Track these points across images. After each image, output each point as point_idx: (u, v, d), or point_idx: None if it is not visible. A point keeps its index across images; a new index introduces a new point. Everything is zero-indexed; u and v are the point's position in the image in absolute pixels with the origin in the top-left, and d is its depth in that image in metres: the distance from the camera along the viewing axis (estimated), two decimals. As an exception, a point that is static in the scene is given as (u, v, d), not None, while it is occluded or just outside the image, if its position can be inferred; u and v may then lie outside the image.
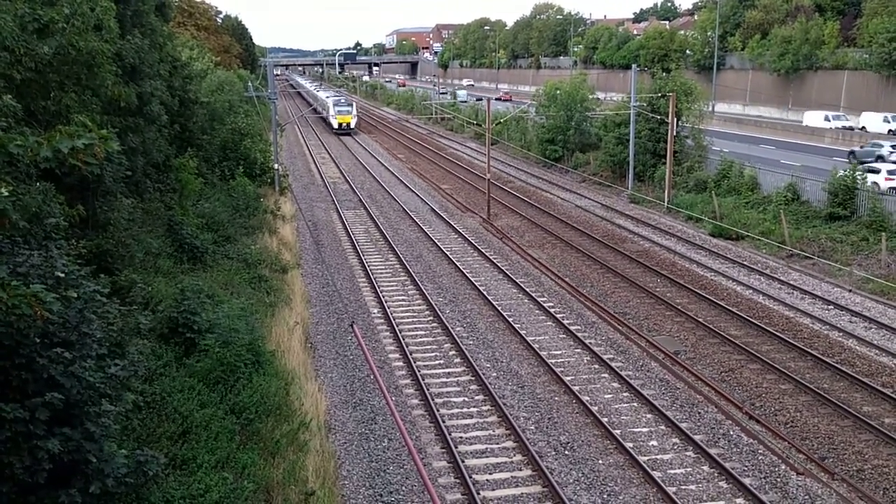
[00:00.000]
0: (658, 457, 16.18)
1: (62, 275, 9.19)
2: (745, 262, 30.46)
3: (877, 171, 36.70)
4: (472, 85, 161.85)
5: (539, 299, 26.29)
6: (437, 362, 21.19)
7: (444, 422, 17.50)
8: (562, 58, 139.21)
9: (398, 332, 23.09)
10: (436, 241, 34.52)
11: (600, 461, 16.02)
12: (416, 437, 16.96)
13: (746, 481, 15.08)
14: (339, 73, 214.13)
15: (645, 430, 17.39)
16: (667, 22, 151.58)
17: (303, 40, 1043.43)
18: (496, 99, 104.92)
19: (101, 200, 18.44)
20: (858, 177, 32.32)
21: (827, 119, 65.92)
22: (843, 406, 18.17)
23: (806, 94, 79.12)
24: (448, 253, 32.27)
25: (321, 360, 21.33)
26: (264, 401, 15.69)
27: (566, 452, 16.39)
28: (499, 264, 30.69)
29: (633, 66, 46.99)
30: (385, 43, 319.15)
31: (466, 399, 18.93)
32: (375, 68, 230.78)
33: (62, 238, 11.52)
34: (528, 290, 27.30)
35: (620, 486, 15.12)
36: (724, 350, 21.95)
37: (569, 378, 19.82)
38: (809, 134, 64.23)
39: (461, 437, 16.95)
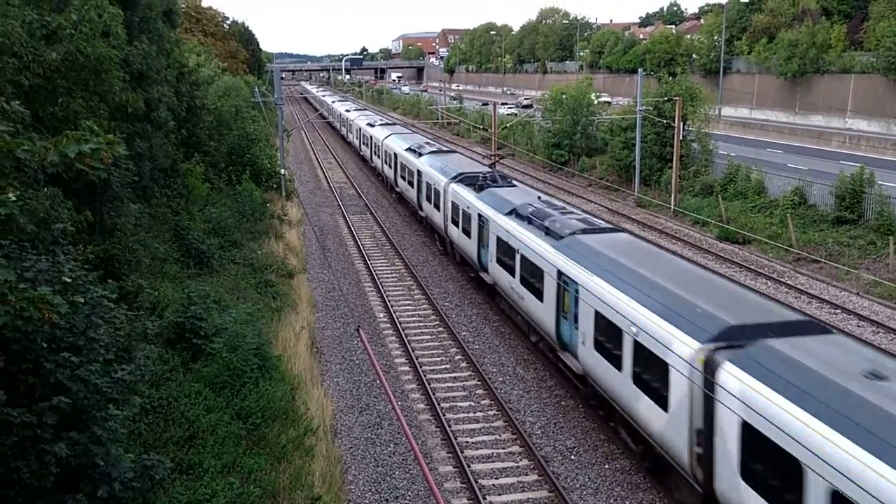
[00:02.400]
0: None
1: (69, 280, 9.23)
2: (751, 266, 30.37)
3: None
4: None
5: (545, 304, 26.21)
6: (443, 367, 21.18)
7: (450, 426, 17.48)
8: (568, 62, 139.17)
9: (404, 336, 23.09)
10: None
11: (607, 466, 15.97)
12: (422, 441, 16.95)
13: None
14: (346, 78, 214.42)
15: (652, 434, 17.31)
16: (673, 26, 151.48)
17: (309, 46, 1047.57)
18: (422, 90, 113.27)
19: (108, 205, 18.53)
20: None
21: None
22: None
23: (813, 98, 78.89)
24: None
25: (327, 365, 21.34)
26: (270, 406, 15.72)
27: (572, 457, 16.35)
28: (505, 269, 30.59)
29: (640, 70, 46.99)
30: (391, 48, 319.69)
31: (472, 404, 18.90)
32: (397, 74, 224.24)
33: (69, 243, 11.57)
34: (534, 294, 27.20)
35: (627, 490, 15.07)
36: (731, 354, 21.82)
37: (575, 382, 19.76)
38: (816, 137, 64.05)
39: (467, 442, 16.93)
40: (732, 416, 11.54)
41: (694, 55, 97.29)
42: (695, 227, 37.21)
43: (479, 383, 20.02)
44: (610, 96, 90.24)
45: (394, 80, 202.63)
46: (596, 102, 54.98)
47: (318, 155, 70.66)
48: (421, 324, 24.65)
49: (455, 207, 29.17)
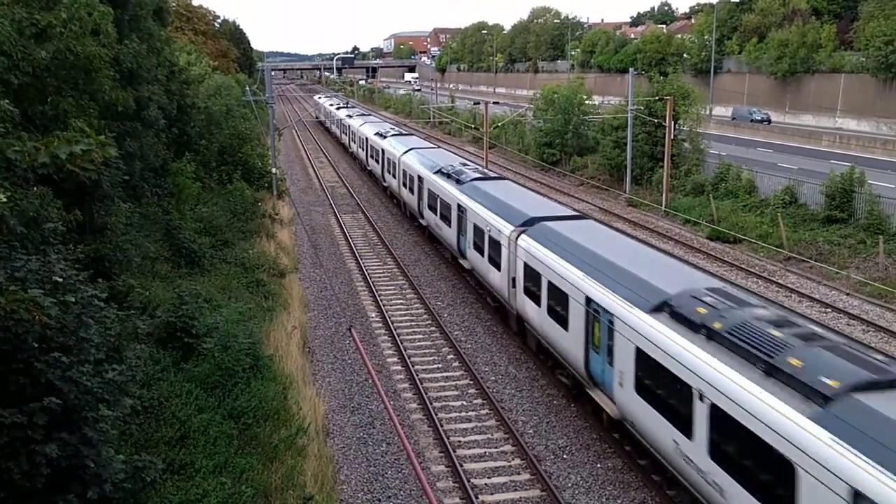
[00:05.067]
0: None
1: (60, 280, 9.19)
2: (742, 266, 30.47)
3: None
4: None
5: (537, 303, 26.26)
6: (435, 366, 21.18)
7: (442, 426, 17.48)
8: (559, 62, 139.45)
9: (396, 336, 23.07)
10: (434, 244, 34.49)
11: (599, 465, 16.01)
12: (415, 441, 16.94)
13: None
14: (337, 77, 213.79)
15: (643, 433, 17.35)
16: (664, 26, 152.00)
17: (300, 45, 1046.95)
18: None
19: (98, 205, 18.44)
20: None
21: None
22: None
23: (803, 98, 79.29)
24: (447, 256, 32.26)
25: (319, 365, 21.31)
26: (262, 405, 15.69)
27: (564, 456, 16.38)
28: (497, 268, 30.64)
29: (631, 69, 47.06)
30: (383, 47, 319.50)
31: (465, 403, 18.91)
32: (412, 75, 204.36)
33: (60, 243, 11.52)
34: (526, 293, 27.26)
35: (619, 489, 15.11)
36: (723, 353, 21.91)
37: (567, 381, 19.80)
38: (807, 137, 64.36)
39: (459, 441, 16.93)
40: (521, 261, 20.82)
41: (685, 55, 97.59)
42: (686, 226, 37.32)
43: (471, 382, 20.04)
44: (601, 95, 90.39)
45: (410, 82, 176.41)
46: (586, 101, 55.00)
47: (309, 154, 70.54)
48: (413, 323, 24.65)
49: (405, 173, 37.94)
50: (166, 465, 12.25)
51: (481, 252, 24.61)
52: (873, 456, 9.05)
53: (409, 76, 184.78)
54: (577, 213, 24.76)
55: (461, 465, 15.78)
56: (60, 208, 13.05)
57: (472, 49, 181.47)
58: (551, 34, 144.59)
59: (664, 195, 40.31)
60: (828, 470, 9.46)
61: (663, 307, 13.96)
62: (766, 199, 36.34)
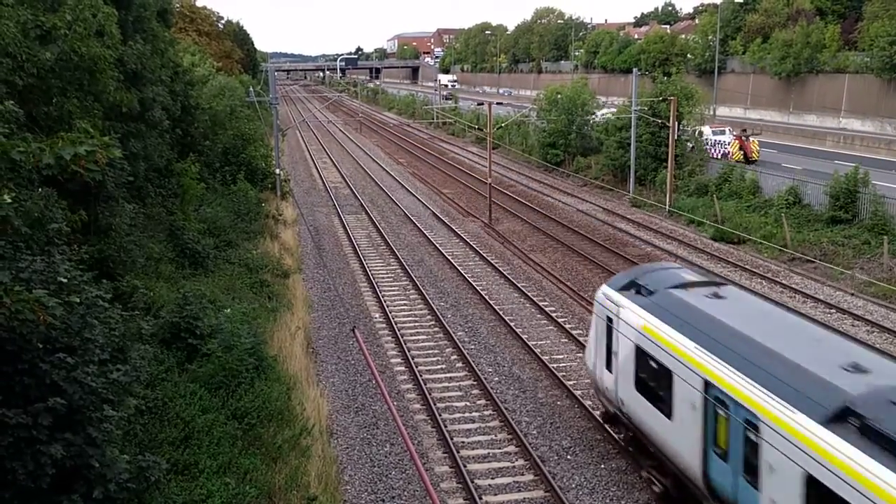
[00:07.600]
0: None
1: (64, 280, 9.21)
2: (746, 266, 30.42)
3: None
4: None
5: (541, 303, 26.27)
6: (438, 367, 21.18)
7: (445, 426, 17.48)
8: (563, 62, 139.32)
9: (400, 336, 23.08)
10: (437, 245, 34.52)
11: (602, 466, 16.00)
12: (418, 441, 16.95)
13: None
14: (341, 78, 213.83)
15: (647, 434, 17.32)
16: (668, 26, 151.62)
17: (304, 45, 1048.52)
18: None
19: (102, 206, 18.47)
20: None
21: None
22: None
23: (807, 98, 79.09)
24: (450, 257, 32.28)
25: (323, 365, 21.33)
26: (266, 406, 15.71)
27: (568, 457, 16.37)
28: (500, 269, 30.67)
29: (635, 70, 46.98)
30: (386, 48, 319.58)
31: (468, 404, 18.91)
32: (450, 78, 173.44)
33: (64, 243, 11.53)
34: (529, 294, 27.28)
35: (623, 490, 15.09)
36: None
37: (571, 382, 19.81)
38: (811, 137, 64.24)
39: (463, 442, 16.93)
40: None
41: (688, 55, 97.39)
42: (690, 227, 37.26)
43: (474, 383, 20.03)
44: (605, 96, 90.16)
45: (446, 85, 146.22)
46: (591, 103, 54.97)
47: (313, 154, 70.60)
48: (416, 324, 24.65)
49: None
50: (170, 465, 12.27)
51: None
52: (655, 314, 14.44)
53: (444, 78, 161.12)
54: None
55: (465, 466, 15.78)
56: (65, 209, 13.06)
57: (475, 50, 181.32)
58: (555, 35, 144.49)
59: (668, 196, 40.27)
60: (625, 318, 15.21)
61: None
62: (770, 199, 36.27)
